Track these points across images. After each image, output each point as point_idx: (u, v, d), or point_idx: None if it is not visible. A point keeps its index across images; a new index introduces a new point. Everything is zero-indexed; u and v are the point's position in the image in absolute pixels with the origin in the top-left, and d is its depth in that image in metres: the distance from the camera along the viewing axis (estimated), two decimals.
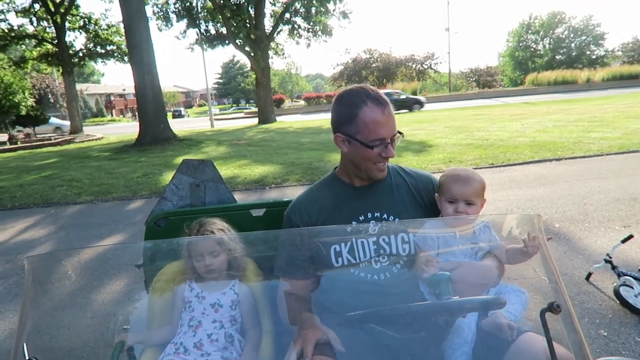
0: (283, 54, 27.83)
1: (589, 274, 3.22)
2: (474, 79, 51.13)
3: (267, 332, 1.54)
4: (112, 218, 6.26)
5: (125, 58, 24.82)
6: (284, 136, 15.65)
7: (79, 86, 35.30)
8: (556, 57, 52.99)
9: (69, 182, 8.95)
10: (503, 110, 19.85)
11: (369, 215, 1.54)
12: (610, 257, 3.07)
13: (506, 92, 37.09)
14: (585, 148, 8.54)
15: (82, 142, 19.41)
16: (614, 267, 3.02)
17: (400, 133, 1.52)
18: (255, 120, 25.16)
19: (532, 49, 55.19)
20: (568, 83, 36.57)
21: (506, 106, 23.12)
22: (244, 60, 61.45)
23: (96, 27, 26.50)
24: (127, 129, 27.37)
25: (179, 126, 23.22)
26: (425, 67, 48.92)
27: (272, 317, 1.59)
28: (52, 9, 23.43)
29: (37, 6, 23.79)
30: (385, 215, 1.54)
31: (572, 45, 52.97)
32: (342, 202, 1.57)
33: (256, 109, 28.35)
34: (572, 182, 6.22)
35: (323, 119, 22.44)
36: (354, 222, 1.53)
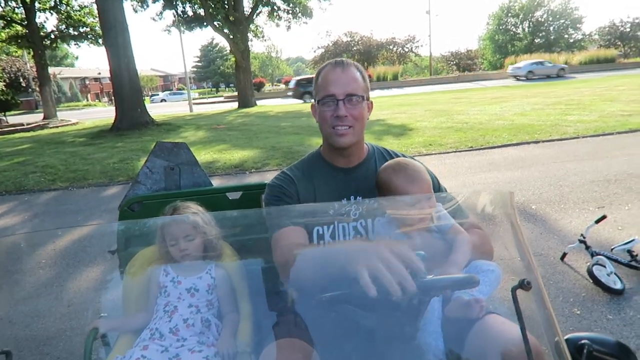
0: (263, 36, 27.43)
1: (564, 254, 3.29)
2: (454, 62, 51.36)
3: (245, 315, 1.53)
4: (88, 205, 6.13)
5: (100, 40, 24.06)
6: (264, 120, 15.51)
7: (52, 70, 34.18)
8: (535, 40, 53.46)
9: (42, 168, 8.71)
10: (483, 94, 20.02)
11: (352, 198, 1.52)
12: (584, 238, 3.14)
13: (486, 76, 37.38)
14: (562, 131, 8.68)
15: (57, 127, 18.86)
16: (587, 247, 3.09)
17: (365, 99, 1.47)
18: (235, 104, 24.84)
19: (512, 33, 55.53)
20: None
21: (486, 89, 23.32)
22: (223, 43, 60.39)
23: (68, 7, 25.52)
24: (103, 113, 26.74)
25: (157, 110, 22.80)
26: (406, 50, 48.91)
27: (250, 300, 1.57)
28: None
29: None
30: (367, 200, 1.52)
31: (551, 28, 53.48)
32: (326, 181, 1.54)
33: (235, 93, 27.99)
34: (548, 164, 6.32)
35: (303, 104, 22.29)
36: (336, 205, 1.49)
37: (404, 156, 1.62)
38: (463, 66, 49.36)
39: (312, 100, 1.57)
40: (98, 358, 1.43)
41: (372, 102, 1.55)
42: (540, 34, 53.68)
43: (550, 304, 0.92)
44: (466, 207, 1.38)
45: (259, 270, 1.67)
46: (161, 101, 45.47)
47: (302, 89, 25.43)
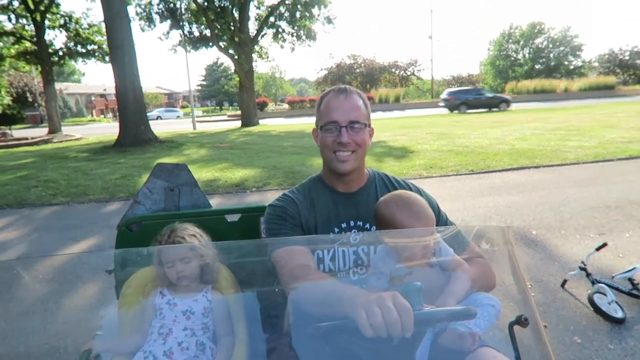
0: (267, 57, 27.80)
1: (564, 281, 3.26)
2: (456, 86, 51.88)
3: (240, 340, 1.51)
4: (88, 220, 6.13)
5: (107, 58, 24.40)
6: (267, 140, 15.59)
7: (58, 85, 34.66)
8: (535, 66, 54.08)
9: (44, 182, 8.74)
10: (484, 117, 20.15)
11: (352, 223, 1.52)
12: (585, 265, 3.11)
13: None
14: (562, 156, 8.71)
15: (61, 142, 18.99)
16: (588, 275, 3.07)
17: (367, 125, 1.49)
18: (238, 123, 25.02)
19: (513, 58, 56.24)
20: (547, 92, 37.44)
21: (486, 113, 23.47)
22: (227, 62, 61.23)
23: (77, 26, 26.00)
24: (107, 129, 26.91)
25: (161, 127, 22.95)
26: (409, 73, 49.42)
27: (246, 324, 1.56)
28: (32, 7, 22.92)
29: (16, 3, 23.25)
30: (367, 226, 1.52)
31: (551, 55, 54.17)
32: (326, 205, 1.54)
33: (239, 111, 28.23)
34: (549, 189, 6.32)
35: (306, 123, 22.46)
36: (335, 229, 1.51)
37: (405, 184, 1.62)
38: None
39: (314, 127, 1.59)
40: None
41: (373, 129, 1.57)
42: (541, 60, 54.33)
43: (548, 341, 0.91)
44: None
45: (255, 294, 1.67)
46: (157, 118, 43.99)
47: (458, 100, 26.26)
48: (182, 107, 74.12)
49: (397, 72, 49.27)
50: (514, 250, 1.04)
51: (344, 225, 1.51)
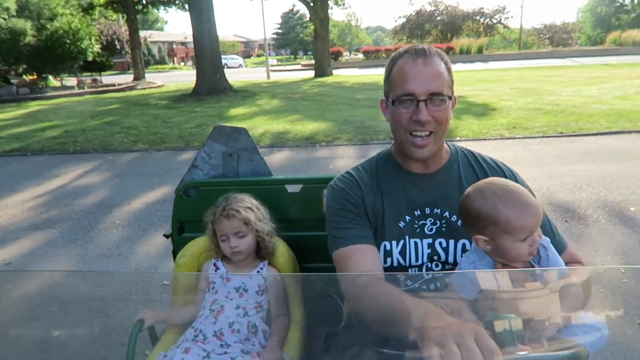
0: (343, 4, 26.83)
1: None
2: (547, 36, 47.25)
3: (296, 323, 1.41)
4: (164, 168, 6.38)
5: (186, 6, 24.87)
6: (339, 91, 15.26)
7: (142, 33, 36.11)
8: None
9: (127, 129, 9.22)
10: (578, 72, 18.23)
11: (427, 210, 1.26)
12: None
13: (583, 52, 33.96)
14: None
15: (144, 89, 19.96)
16: None
17: (450, 97, 1.19)
18: (312, 73, 24.72)
19: (618, 4, 49.80)
20: None
21: (582, 67, 21.18)
22: (303, 10, 60.16)
23: None
24: (186, 77, 27.82)
25: (236, 76, 23.29)
26: (495, 21, 45.65)
27: (302, 306, 1.45)
28: None
29: None
30: (446, 214, 1.26)
31: None
32: (395, 188, 1.29)
33: (313, 61, 27.84)
34: None
35: (381, 75, 21.61)
36: (407, 217, 1.26)
37: (495, 164, 1.33)
38: (557, 40, 45.27)
39: (382, 98, 1.32)
40: (141, 351, 1.38)
41: (456, 97, 1.25)
42: None
43: None
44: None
45: (314, 272, 1.54)
46: (225, 65, 44.45)
47: None
48: (258, 55, 74.78)
49: (482, 20, 45.68)
50: None
51: (417, 212, 1.26)
